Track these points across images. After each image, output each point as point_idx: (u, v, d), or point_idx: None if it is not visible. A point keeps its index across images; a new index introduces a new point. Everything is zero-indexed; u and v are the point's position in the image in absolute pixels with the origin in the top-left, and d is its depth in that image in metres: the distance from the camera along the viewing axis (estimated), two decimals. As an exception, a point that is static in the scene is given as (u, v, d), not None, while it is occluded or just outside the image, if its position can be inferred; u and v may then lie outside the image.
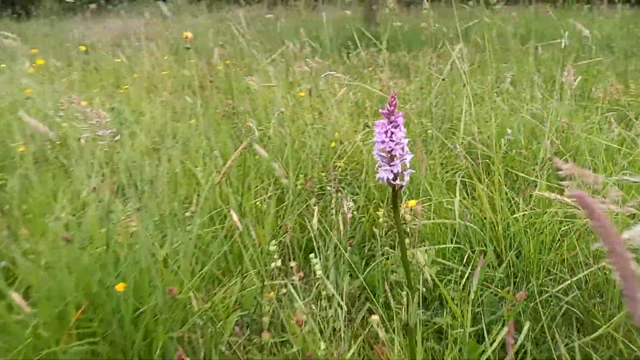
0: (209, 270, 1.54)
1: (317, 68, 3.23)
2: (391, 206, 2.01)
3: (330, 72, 2.13)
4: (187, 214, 1.70)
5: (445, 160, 2.25)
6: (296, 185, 2.07)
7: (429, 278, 1.39)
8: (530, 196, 1.79)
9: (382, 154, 0.85)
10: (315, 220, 1.60)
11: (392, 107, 0.82)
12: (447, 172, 2.17)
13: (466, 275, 1.49)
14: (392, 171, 0.84)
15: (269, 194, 1.91)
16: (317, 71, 3.10)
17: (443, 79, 2.45)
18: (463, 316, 1.25)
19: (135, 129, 2.56)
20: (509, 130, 1.98)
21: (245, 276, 1.55)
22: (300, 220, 1.91)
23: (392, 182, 0.85)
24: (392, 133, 0.82)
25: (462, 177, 2.01)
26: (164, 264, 1.46)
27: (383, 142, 0.82)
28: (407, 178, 0.85)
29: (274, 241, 1.60)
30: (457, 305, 1.35)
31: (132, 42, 5.78)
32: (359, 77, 3.88)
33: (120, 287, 1.27)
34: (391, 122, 0.82)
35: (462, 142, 2.08)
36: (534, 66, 3.54)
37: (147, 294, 1.34)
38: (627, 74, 3.98)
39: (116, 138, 1.65)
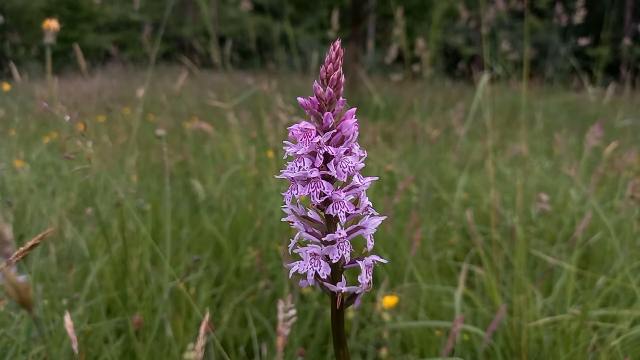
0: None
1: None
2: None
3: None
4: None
5: (435, 236, 1.80)
6: (241, 261, 1.58)
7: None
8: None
9: (299, 211, 0.39)
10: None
11: (329, 89, 0.36)
12: (438, 249, 1.71)
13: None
14: (327, 259, 0.38)
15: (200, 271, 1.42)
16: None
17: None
18: None
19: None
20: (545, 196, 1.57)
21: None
22: (241, 310, 1.40)
23: (328, 287, 0.38)
24: (329, 156, 0.38)
25: (456, 259, 1.57)
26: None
27: (305, 177, 0.36)
28: (365, 280, 0.37)
29: (191, 345, 1.10)
30: None
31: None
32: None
33: None
34: (326, 129, 0.38)
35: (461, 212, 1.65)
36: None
37: None
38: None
39: None
